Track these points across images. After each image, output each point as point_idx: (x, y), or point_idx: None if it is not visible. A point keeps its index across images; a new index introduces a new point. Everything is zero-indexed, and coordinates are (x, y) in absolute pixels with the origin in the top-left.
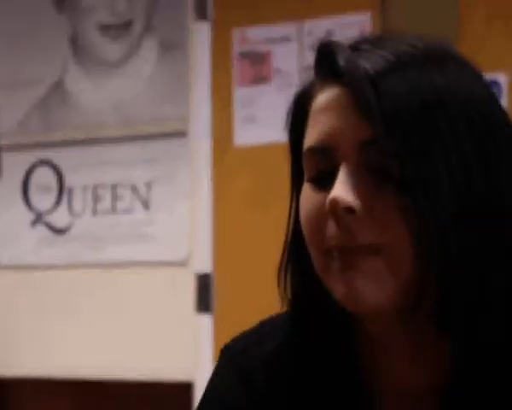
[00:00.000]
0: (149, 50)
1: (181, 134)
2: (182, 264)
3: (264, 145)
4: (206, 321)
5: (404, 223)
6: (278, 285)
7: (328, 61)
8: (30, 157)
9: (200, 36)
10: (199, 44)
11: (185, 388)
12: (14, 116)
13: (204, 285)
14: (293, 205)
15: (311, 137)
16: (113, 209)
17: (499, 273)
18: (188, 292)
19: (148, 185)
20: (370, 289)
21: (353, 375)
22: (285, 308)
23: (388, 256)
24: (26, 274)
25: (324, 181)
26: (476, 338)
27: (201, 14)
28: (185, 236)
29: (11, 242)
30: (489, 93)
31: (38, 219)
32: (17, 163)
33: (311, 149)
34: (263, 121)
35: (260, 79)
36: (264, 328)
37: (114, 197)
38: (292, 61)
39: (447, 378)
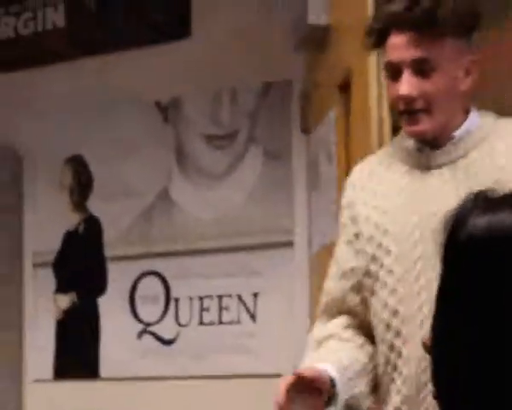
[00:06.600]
0: (253, 161)
1: (286, 245)
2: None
3: None
4: None
5: None
6: None
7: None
8: (136, 267)
9: (304, 148)
10: (302, 156)
11: None
12: (118, 226)
13: None
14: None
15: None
16: (220, 320)
17: None
18: None
19: (255, 296)
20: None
21: None
22: None
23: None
24: (133, 385)
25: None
26: None
27: (305, 127)
28: (290, 349)
29: (118, 353)
30: None
31: (145, 329)
32: (123, 274)
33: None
34: None
35: None
36: None
37: (220, 308)
38: None
39: None
